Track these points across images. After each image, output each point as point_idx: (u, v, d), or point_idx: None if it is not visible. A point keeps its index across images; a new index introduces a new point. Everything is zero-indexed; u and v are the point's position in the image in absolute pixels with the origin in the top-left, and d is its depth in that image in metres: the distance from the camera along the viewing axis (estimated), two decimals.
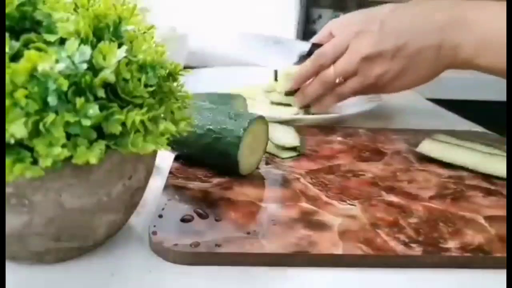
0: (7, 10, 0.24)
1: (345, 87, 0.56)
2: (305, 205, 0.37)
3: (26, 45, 0.24)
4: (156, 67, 0.27)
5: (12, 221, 0.24)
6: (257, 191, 0.39)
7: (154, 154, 0.31)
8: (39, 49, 0.23)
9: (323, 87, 0.57)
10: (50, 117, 0.22)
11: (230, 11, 0.92)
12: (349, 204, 0.38)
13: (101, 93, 0.24)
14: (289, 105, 0.65)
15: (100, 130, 0.24)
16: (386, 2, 0.59)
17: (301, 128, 0.58)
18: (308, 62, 0.57)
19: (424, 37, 0.50)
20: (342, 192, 0.40)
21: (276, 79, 0.70)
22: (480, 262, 0.32)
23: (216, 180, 0.41)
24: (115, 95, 0.25)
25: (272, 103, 0.67)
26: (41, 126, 0.21)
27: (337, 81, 0.55)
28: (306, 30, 1.46)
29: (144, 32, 0.29)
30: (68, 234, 0.27)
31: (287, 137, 0.50)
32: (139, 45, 0.27)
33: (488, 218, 0.37)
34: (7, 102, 0.21)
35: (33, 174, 0.22)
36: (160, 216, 0.34)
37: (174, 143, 0.28)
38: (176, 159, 0.44)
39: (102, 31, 0.27)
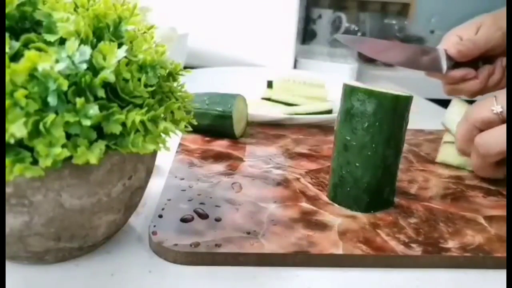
0: (7, 10, 0.24)
1: None
2: (305, 205, 0.37)
3: (26, 45, 0.24)
4: (156, 67, 0.27)
5: (12, 221, 0.24)
6: (257, 191, 0.39)
7: (154, 154, 0.31)
8: (39, 49, 0.23)
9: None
10: (50, 117, 0.22)
11: (230, 11, 0.92)
12: None
13: (101, 93, 0.24)
14: (288, 104, 0.66)
15: (100, 130, 0.24)
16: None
17: (300, 128, 0.58)
18: None
19: None
20: None
21: (270, 87, 0.70)
22: (480, 262, 0.32)
23: (216, 180, 0.41)
24: (115, 95, 0.25)
25: (272, 101, 0.67)
26: (41, 126, 0.21)
27: None
28: (306, 30, 1.47)
29: (144, 32, 0.29)
30: (68, 234, 0.27)
31: None
32: (139, 45, 0.27)
33: (488, 218, 0.37)
34: (7, 102, 0.21)
35: (33, 174, 0.22)
36: (160, 216, 0.34)
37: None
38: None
39: (102, 31, 0.27)
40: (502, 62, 0.53)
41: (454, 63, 0.52)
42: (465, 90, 0.53)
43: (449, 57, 0.52)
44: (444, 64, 0.53)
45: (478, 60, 0.53)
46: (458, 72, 0.52)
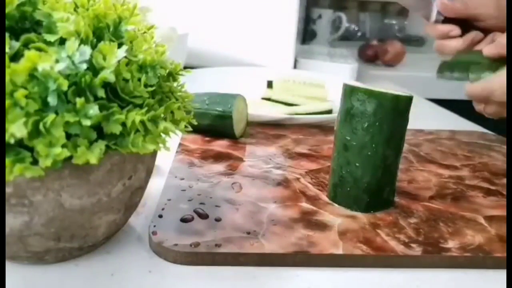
0: (7, 10, 0.24)
1: None
2: (305, 205, 0.37)
3: (26, 45, 0.24)
4: (156, 67, 0.27)
5: (12, 221, 0.24)
6: (257, 191, 0.39)
7: (154, 154, 0.31)
8: (39, 49, 0.23)
9: None
10: (50, 117, 0.22)
11: (230, 11, 0.92)
12: None
13: (101, 93, 0.24)
14: (288, 104, 0.66)
15: (100, 130, 0.24)
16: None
17: (300, 128, 0.58)
18: None
19: None
20: None
21: (270, 87, 0.70)
22: (480, 262, 0.32)
23: (216, 180, 0.41)
24: (115, 95, 0.25)
25: (272, 101, 0.67)
26: (41, 126, 0.21)
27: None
28: (306, 30, 1.46)
29: (144, 32, 0.29)
30: (68, 234, 0.27)
31: None
32: (139, 45, 0.27)
33: (488, 218, 0.37)
34: (7, 102, 0.21)
35: (33, 174, 0.22)
36: (160, 216, 0.34)
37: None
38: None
39: (102, 31, 0.27)
40: (493, 36, 0.54)
41: (445, 19, 0.54)
42: (449, 47, 0.55)
43: (440, 12, 0.54)
44: (434, 15, 0.55)
45: (470, 25, 0.55)
46: (443, 26, 0.54)
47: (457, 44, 0.54)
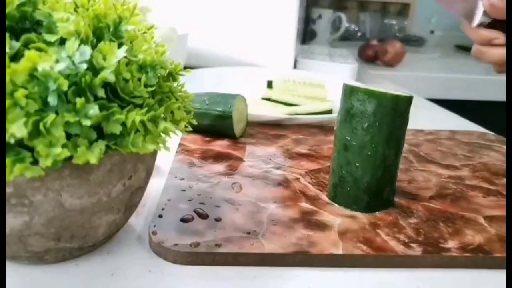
0: (7, 10, 0.24)
1: None
2: (305, 205, 0.37)
3: (26, 45, 0.24)
4: (156, 67, 0.27)
5: (12, 221, 0.24)
6: (257, 191, 0.39)
7: (154, 154, 0.31)
8: (39, 49, 0.23)
9: None
10: (50, 117, 0.22)
11: (230, 11, 0.92)
12: None
13: (101, 93, 0.24)
14: (288, 104, 0.66)
15: (100, 130, 0.24)
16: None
17: (300, 128, 0.58)
18: None
19: None
20: None
21: (270, 87, 0.70)
22: (480, 262, 0.32)
23: (216, 180, 0.41)
24: (115, 95, 0.25)
25: (272, 101, 0.67)
26: (41, 126, 0.21)
27: None
28: (306, 30, 1.46)
29: (144, 32, 0.29)
30: (68, 234, 0.27)
31: None
32: (139, 45, 0.27)
33: (488, 218, 0.37)
34: (7, 102, 0.21)
35: (33, 174, 0.22)
36: (160, 216, 0.34)
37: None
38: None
39: (102, 31, 0.27)
40: None
41: (490, 23, 0.47)
42: (488, 55, 0.48)
43: (486, 13, 0.46)
44: (478, 18, 0.47)
45: None
46: (486, 32, 0.47)
47: (498, 54, 0.47)
